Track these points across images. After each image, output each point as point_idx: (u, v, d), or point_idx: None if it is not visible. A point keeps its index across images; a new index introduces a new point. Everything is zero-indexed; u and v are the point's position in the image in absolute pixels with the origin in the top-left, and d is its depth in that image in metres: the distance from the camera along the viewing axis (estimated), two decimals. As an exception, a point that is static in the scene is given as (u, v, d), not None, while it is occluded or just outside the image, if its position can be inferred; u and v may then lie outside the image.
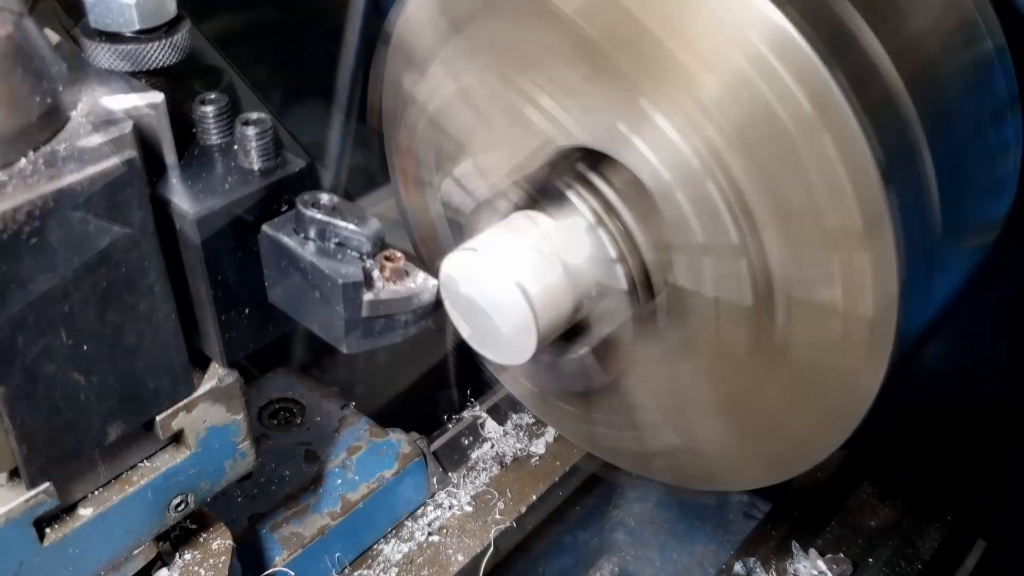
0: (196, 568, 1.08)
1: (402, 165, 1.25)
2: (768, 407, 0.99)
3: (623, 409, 1.12)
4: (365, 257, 0.84)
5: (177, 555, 1.09)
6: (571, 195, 0.98)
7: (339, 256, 0.83)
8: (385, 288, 0.85)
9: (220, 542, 1.10)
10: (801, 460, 1.02)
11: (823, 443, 0.98)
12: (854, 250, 0.85)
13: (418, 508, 1.51)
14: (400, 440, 1.51)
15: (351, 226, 0.83)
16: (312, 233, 0.84)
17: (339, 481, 1.44)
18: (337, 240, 0.83)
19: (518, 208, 1.02)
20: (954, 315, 1.03)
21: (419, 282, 0.87)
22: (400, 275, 0.86)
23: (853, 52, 0.84)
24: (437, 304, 0.89)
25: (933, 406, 1.57)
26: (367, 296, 0.83)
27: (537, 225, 0.99)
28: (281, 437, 1.50)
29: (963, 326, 1.36)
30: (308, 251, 0.84)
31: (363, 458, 1.47)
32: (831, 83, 0.80)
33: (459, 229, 1.13)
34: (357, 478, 1.45)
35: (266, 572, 1.30)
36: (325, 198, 0.84)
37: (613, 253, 0.98)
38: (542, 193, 1.00)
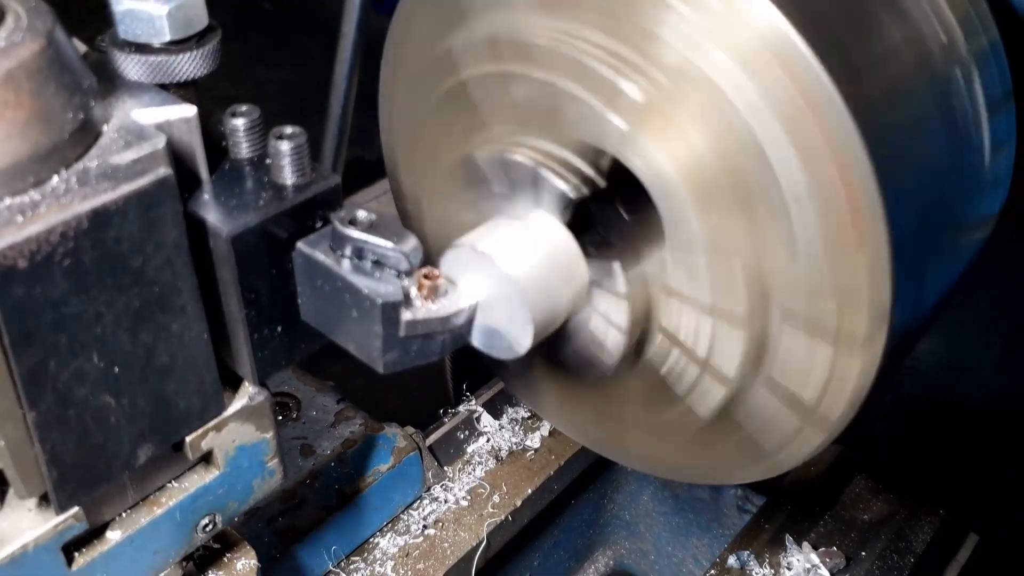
0: None
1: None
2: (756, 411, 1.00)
3: (653, 389, 1.12)
4: (403, 275, 0.82)
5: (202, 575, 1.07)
6: (568, 190, 0.97)
7: (376, 274, 0.81)
8: (423, 307, 0.83)
9: (245, 562, 1.08)
10: (790, 458, 1.02)
11: (810, 443, 0.98)
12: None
13: (414, 501, 1.51)
14: (396, 434, 1.51)
15: (389, 244, 0.80)
16: (348, 251, 0.82)
17: (335, 475, 1.44)
18: (374, 258, 0.81)
19: (530, 206, 1.00)
20: (948, 310, 1.02)
21: (457, 300, 0.85)
22: (437, 293, 0.84)
23: (846, 49, 0.83)
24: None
25: (927, 400, 1.58)
26: (405, 316, 0.81)
27: (533, 220, 0.98)
28: None
29: (957, 321, 1.36)
30: (345, 269, 0.82)
31: (359, 452, 1.47)
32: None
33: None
34: (353, 472, 1.45)
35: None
36: (362, 215, 0.82)
37: (621, 286, 0.98)
38: (537, 188, 0.99)
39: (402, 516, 1.49)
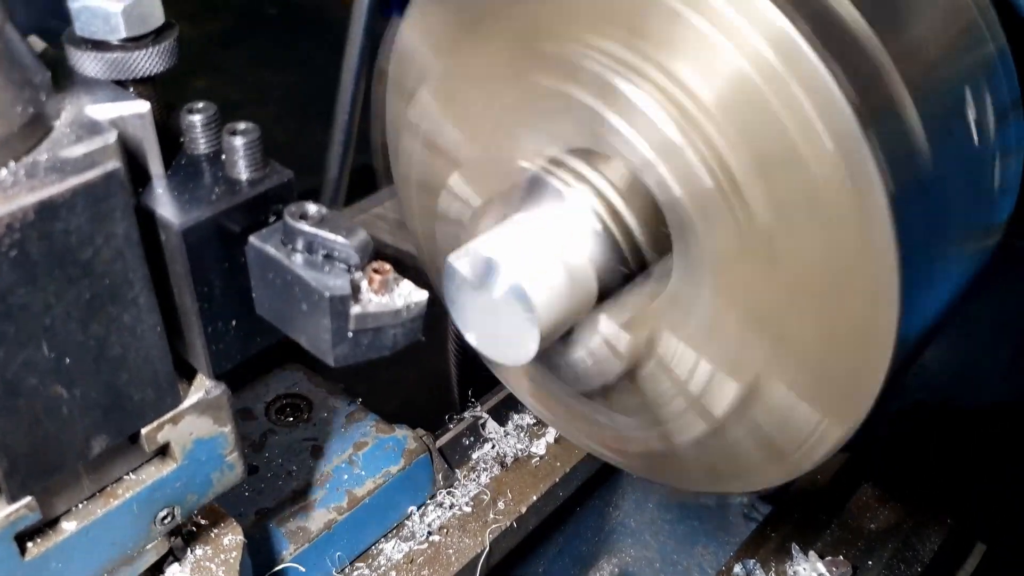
0: (207, 564, 1.08)
1: (405, 196, 1.24)
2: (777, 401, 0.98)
3: (644, 408, 1.12)
4: (353, 269, 0.82)
5: (188, 551, 1.08)
6: (571, 195, 0.97)
7: (327, 268, 0.82)
8: (373, 301, 0.83)
9: (231, 538, 1.09)
10: (804, 460, 1.02)
11: (826, 443, 0.97)
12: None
13: (423, 504, 1.52)
14: (406, 436, 1.52)
15: (339, 238, 0.81)
16: (300, 245, 0.83)
17: (345, 476, 1.45)
18: (325, 252, 0.82)
19: (517, 210, 1.01)
20: (955, 318, 1.02)
21: (407, 294, 0.86)
22: (388, 287, 0.84)
23: (857, 56, 0.83)
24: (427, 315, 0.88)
25: (933, 408, 1.57)
26: (355, 309, 0.82)
27: (537, 225, 0.98)
28: (288, 432, 1.52)
29: (963, 329, 1.35)
30: (295, 263, 0.82)
31: (369, 454, 1.48)
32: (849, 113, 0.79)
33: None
34: (363, 473, 1.46)
35: (276, 568, 1.30)
36: (313, 209, 0.83)
37: (615, 253, 0.97)
38: (542, 193, 0.99)
39: (407, 522, 1.49)
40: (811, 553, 1.49)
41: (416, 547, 1.45)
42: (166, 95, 0.91)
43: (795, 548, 1.50)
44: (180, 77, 0.90)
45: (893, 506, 1.58)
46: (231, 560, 1.08)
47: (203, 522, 1.09)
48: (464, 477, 1.57)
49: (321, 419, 1.54)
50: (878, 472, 1.62)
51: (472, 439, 1.63)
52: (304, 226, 0.82)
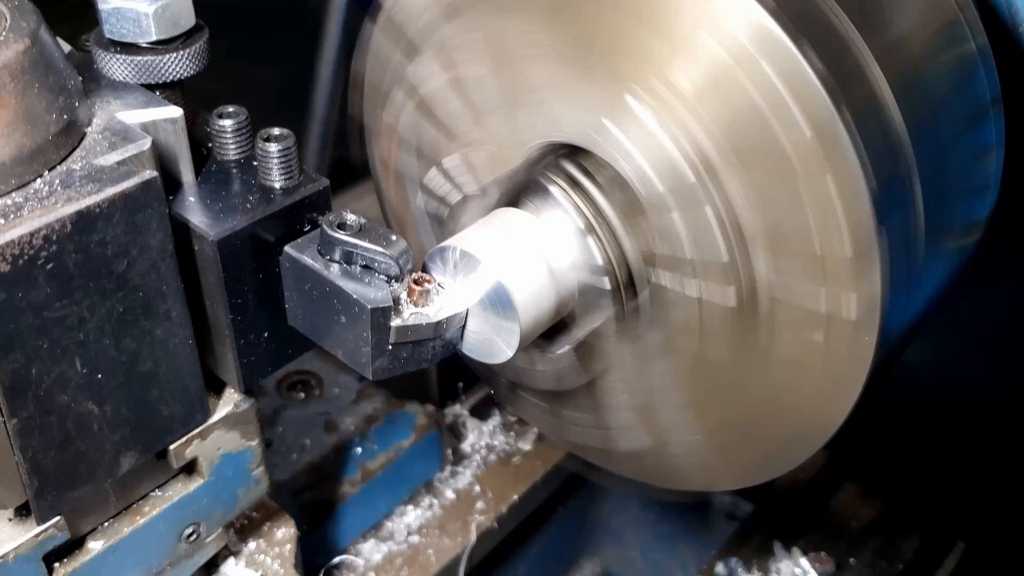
0: (262, 557, 1.07)
1: (382, 145, 1.21)
2: (746, 411, 0.98)
3: (596, 408, 1.11)
4: (392, 280, 0.80)
5: (243, 544, 1.07)
6: (559, 195, 0.96)
7: (366, 280, 0.80)
8: (413, 313, 0.81)
9: (284, 531, 1.09)
10: (780, 463, 1.01)
11: (801, 448, 0.97)
12: (840, 261, 0.84)
13: (433, 477, 1.55)
14: (416, 412, 1.54)
15: (379, 248, 0.79)
16: (337, 255, 0.80)
17: (358, 450, 1.48)
18: (363, 263, 0.80)
19: (504, 204, 0.99)
20: (937, 315, 1.02)
21: (448, 306, 0.84)
22: (428, 298, 0.83)
23: (841, 56, 0.83)
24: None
25: (915, 407, 1.58)
26: (395, 321, 0.80)
27: (523, 223, 0.96)
28: (300, 408, 1.53)
29: (945, 327, 1.36)
30: (333, 274, 0.80)
31: (381, 429, 1.51)
32: (836, 117, 0.79)
33: (439, 219, 1.10)
34: (376, 447, 1.48)
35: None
36: (351, 219, 0.81)
37: (599, 255, 0.96)
38: (529, 191, 0.98)
39: (386, 523, 1.48)
40: (794, 550, 1.50)
41: (395, 548, 1.44)
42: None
43: (778, 546, 1.50)
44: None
45: (875, 504, 1.60)
46: (286, 553, 1.07)
47: (255, 515, 1.09)
48: (445, 476, 1.56)
49: (332, 395, 1.56)
50: (860, 470, 1.63)
51: (453, 438, 1.63)
52: (343, 236, 0.79)
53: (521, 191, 0.98)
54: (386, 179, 1.24)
